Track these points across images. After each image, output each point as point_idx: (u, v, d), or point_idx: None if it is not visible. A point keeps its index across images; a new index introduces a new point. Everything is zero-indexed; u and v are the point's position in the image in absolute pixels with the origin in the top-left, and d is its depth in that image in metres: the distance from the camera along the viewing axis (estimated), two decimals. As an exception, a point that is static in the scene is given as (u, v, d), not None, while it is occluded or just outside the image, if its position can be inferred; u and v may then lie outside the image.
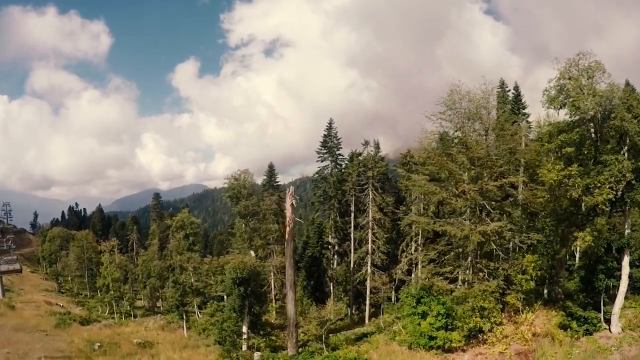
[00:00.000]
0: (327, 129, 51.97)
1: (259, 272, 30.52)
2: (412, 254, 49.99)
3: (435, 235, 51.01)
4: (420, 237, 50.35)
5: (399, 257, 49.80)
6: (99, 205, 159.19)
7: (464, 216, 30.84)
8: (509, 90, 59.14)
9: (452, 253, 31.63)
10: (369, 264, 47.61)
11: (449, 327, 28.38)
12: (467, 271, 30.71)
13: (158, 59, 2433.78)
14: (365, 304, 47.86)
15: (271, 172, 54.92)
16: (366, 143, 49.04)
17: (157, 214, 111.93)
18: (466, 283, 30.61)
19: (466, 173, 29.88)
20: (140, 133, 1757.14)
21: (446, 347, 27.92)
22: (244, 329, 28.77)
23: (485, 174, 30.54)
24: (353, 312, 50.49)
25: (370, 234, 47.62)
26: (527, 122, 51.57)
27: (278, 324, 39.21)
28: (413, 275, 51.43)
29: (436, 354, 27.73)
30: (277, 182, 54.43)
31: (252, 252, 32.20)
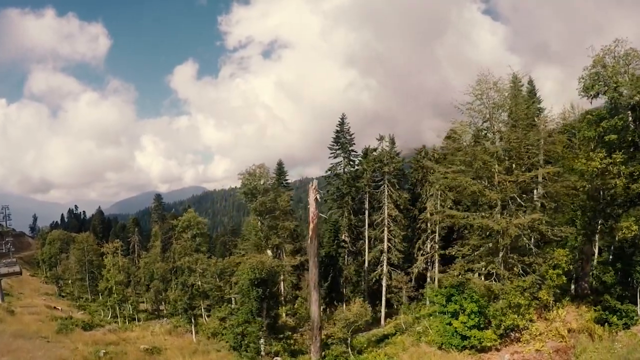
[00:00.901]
0: (339, 125, 50.05)
1: (276, 273, 28.52)
2: (428, 251, 48.33)
3: (450, 232, 49.34)
4: (437, 234, 48.66)
5: (415, 255, 48.11)
6: (99, 207, 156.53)
7: (495, 209, 29.34)
8: (522, 85, 58.46)
9: (481, 248, 29.94)
10: (385, 263, 45.67)
11: (481, 325, 27.19)
12: (500, 267, 29.06)
13: (156, 60, 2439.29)
14: (380, 305, 45.94)
15: (280, 170, 52.81)
16: (381, 138, 47.22)
17: (159, 216, 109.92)
18: (498, 279, 28.98)
19: (500, 164, 28.27)
20: (139, 135, 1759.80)
21: (479, 346, 26.75)
22: (262, 333, 26.72)
23: (517, 166, 29.31)
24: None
25: (385, 232, 45.68)
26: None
27: (291, 326, 37.13)
28: (429, 274, 49.80)
29: (469, 354, 26.52)
30: (287, 180, 52.44)
31: (268, 252, 30.20)
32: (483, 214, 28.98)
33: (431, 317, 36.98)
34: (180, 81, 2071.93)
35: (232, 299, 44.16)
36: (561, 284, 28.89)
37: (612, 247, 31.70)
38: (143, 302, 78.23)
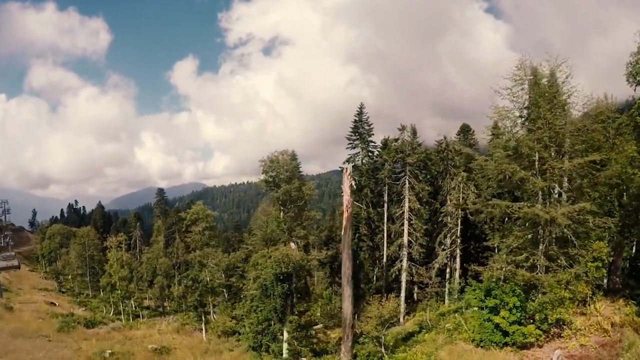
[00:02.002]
0: (357, 114, 47.59)
1: (303, 267, 26.12)
2: (449, 246, 46.27)
3: (465, 227, 47.25)
4: (458, 228, 46.51)
5: (435, 250, 45.97)
6: (99, 202, 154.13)
7: (536, 198, 27.51)
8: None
9: (521, 240, 28.01)
10: (405, 258, 43.31)
11: (522, 321, 25.63)
12: (542, 259, 27.33)
13: (156, 56, 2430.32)
14: (399, 301, 43.73)
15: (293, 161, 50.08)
16: (403, 128, 44.81)
17: (161, 210, 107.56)
18: (540, 272, 27.26)
19: (545, 150, 26.27)
20: (139, 131, 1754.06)
21: (520, 343, 25.12)
22: (285, 332, 24.36)
23: (560, 153, 27.51)
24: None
25: (406, 225, 43.31)
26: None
27: (312, 324, 34.71)
28: (448, 270, 47.78)
29: (511, 350, 24.88)
30: (301, 172, 49.72)
31: (292, 244, 27.90)
32: (527, 203, 26.88)
33: (456, 314, 34.87)
34: (181, 77, 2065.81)
35: (243, 295, 41.93)
36: (598, 277, 27.68)
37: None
38: (145, 299, 75.99)
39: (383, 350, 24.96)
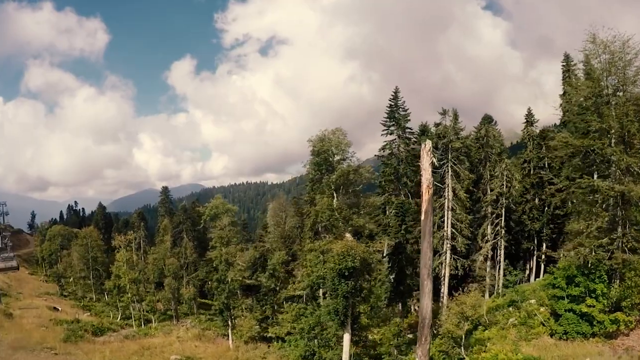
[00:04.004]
0: (392, 98, 43.45)
1: (366, 260, 21.95)
2: (493, 237, 42.48)
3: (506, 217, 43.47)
4: (502, 218, 42.69)
5: (478, 241, 42.20)
6: (100, 203, 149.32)
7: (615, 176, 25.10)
8: (575, 64, 52.97)
9: (597, 222, 25.07)
10: (448, 251, 39.25)
11: (606, 309, 24.43)
12: (623, 241, 24.96)
13: (154, 56, 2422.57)
14: (442, 298, 39.94)
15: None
16: (444, 112, 41.05)
17: (166, 210, 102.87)
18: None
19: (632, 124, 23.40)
20: (137, 132, 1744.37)
21: (605, 332, 23.99)
22: (346, 337, 20.24)
23: None
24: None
25: (449, 216, 39.20)
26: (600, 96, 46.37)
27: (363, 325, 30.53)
28: (488, 263, 44.01)
29: (599, 341, 23.51)
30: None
31: (347, 235, 23.90)
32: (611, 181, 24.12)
33: (510, 308, 32.68)
34: (178, 77, 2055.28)
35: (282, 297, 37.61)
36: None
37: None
38: (158, 302, 71.32)
39: (463, 351, 20.99)
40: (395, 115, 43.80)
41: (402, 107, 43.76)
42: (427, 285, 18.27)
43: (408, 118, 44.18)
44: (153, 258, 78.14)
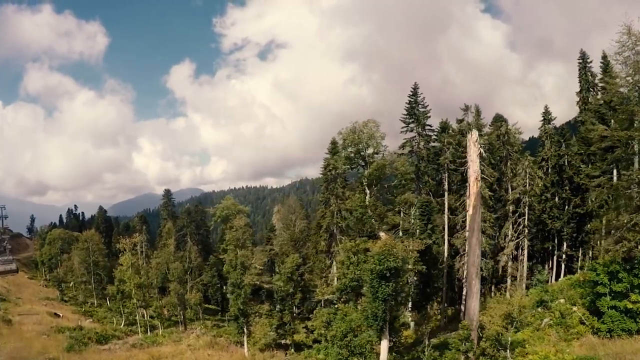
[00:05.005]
0: (412, 95, 41.63)
1: (406, 262, 20.09)
2: (516, 236, 40.80)
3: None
4: (526, 216, 40.97)
5: (500, 241, 40.54)
6: (100, 207, 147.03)
7: None
8: (591, 62, 51.88)
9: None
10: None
11: None
12: None
13: (153, 60, 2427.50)
14: (461, 299, 38.10)
15: (334, 150, 43.34)
16: (466, 108, 39.58)
17: (169, 213, 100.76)
18: None
19: None
20: (137, 136, 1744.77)
21: None
22: (384, 344, 18.37)
23: None
24: (445, 309, 40.82)
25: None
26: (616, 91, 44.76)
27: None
28: (510, 263, 42.26)
29: None
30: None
31: (382, 234, 21.98)
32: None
33: (539, 308, 30.99)
34: (177, 81, 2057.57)
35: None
36: None
37: None
38: (164, 307, 69.01)
39: (509, 354, 19.22)
40: (415, 111, 41.93)
41: (422, 103, 41.98)
42: (475, 285, 16.61)
43: (428, 115, 42.41)
44: (156, 262, 76.01)
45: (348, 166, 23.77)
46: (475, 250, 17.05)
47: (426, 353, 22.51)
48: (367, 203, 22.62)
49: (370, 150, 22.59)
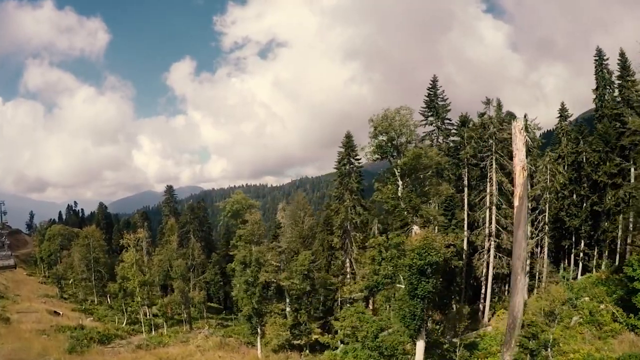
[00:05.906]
0: (431, 87, 40.09)
1: (445, 258, 18.51)
2: (537, 233, 39.40)
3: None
4: (546, 213, 39.59)
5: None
6: (101, 203, 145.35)
7: None
8: (607, 59, 50.84)
9: None
10: (492, 249, 35.81)
11: None
12: None
13: (154, 57, 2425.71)
14: (483, 299, 36.61)
15: (349, 144, 41.26)
16: (488, 101, 37.96)
17: (171, 209, 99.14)
18: None
19: None
20: (136, 134, 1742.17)
21: None
22: (420, 345, 16.84)
23: None
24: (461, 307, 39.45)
25: (493, 211, 35.81)
26: (635, 91, 43.61)
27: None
28: (527, 262, 40.66)
29: None
30: (357, 157, 40.97)
31: (415, 228, 20.48)
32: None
33: (564, 306, 29.85)
34: (177, 79, 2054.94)
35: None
36: None
37: None
38: (168, 306, 67.26)
39: (550, 352, 17.74)
40: (434, 104, 40.37)
41: (441, 96, 40.49)
42: (520, 280, 15.17)
43: (448, 108, 40.89)
44: (158, 259, 74.30)
45: (379, 155, 22.24)
46: (521, 244, 15.63)
47: (458, 353, 21.05)
48: (399, 195, 21.03)
49: (403, 139, 21.05)
